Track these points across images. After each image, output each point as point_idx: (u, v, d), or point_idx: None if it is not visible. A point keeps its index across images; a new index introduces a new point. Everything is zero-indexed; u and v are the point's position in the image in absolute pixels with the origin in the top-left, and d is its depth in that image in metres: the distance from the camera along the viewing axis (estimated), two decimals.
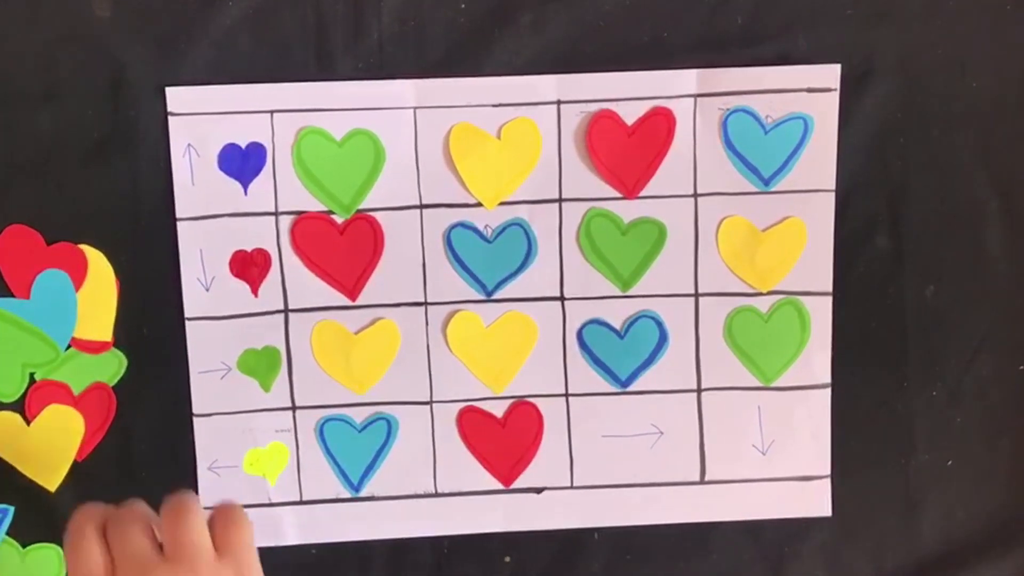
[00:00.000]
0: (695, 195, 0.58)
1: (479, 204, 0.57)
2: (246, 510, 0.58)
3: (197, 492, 0.58)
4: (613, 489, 0.59)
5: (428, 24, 0.56)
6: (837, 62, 0.57)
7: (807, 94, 0.57)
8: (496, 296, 0.58)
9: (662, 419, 0.59)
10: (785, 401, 0.59)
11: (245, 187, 0.57)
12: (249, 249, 0.57)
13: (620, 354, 0.59)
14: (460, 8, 0.56)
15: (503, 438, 0.59)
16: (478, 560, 0.60)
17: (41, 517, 0.57)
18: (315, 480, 0.59)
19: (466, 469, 0.59)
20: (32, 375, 0.56)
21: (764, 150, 0.57)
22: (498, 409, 0.59)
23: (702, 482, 0.59)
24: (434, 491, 0.59)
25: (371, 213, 0.57)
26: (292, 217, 0.57)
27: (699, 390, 0.59)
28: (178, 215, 0.56)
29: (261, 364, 0.58)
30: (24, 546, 0.57)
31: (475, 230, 0.57)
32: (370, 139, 0.56)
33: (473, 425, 0.59)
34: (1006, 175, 0.58)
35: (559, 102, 0.57)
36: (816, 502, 0.60)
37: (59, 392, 0.56)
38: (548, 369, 0.59)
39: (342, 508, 0.59)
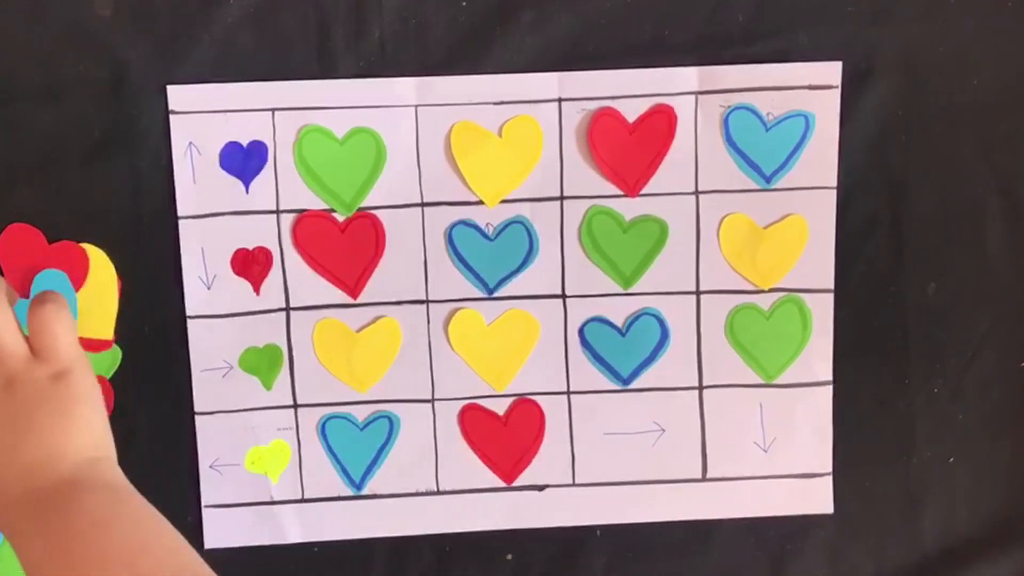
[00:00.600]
0: (696, 192, 0.58)
1: (480, 202, 0.57)
2: (251, 509, 0.58)
3: (199, 491, 0.58)
4: (615, 487, 0.59)
5: (429, 22, 0.56)
6: (838, 59, 0.57)
7: (808, 91, 0.57)
8: (497, 294, 0.58)
9: (664, 417, 0.59)
10: (787, 398, 0.59)
11: (246, 185, 0.57)
12: (251, 247, 0.57)
13: (622, 352, 0.59)
14: (461, 6, 0.56)
15: (505, 436, 0.59)
16: (480, 558, 0.60)
17: None
18: (317, 478, 0.59)
19: (468, 467, 0.59)
20: None
21: (765, 147, 0.57)
22: (500, 407, 0.59)
23: (704, 479, 0.60)
24: (436, 489, 0.59)
25: (372, 211, 0.57)
26: (293, 215, 0.57)
27: (700, 387, 0.59)
28: (179, 213, 0.56)
29: (263, 362, 0.58)
30: None
31: (476, 228, 0.57)
32: (371, 137, 0.56)
33: (475, 423, 0.59)
34: (1007, 172, 0.58)
35: (560, 100, 0.57)
36: (818, 499, 0.60)
37: None
38: (550, 367, 0.59)
39: (344, 506, 0.59)
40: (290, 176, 0.57)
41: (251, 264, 0.57)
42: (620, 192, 0.57)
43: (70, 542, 0.41)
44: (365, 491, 0.59)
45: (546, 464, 0.59)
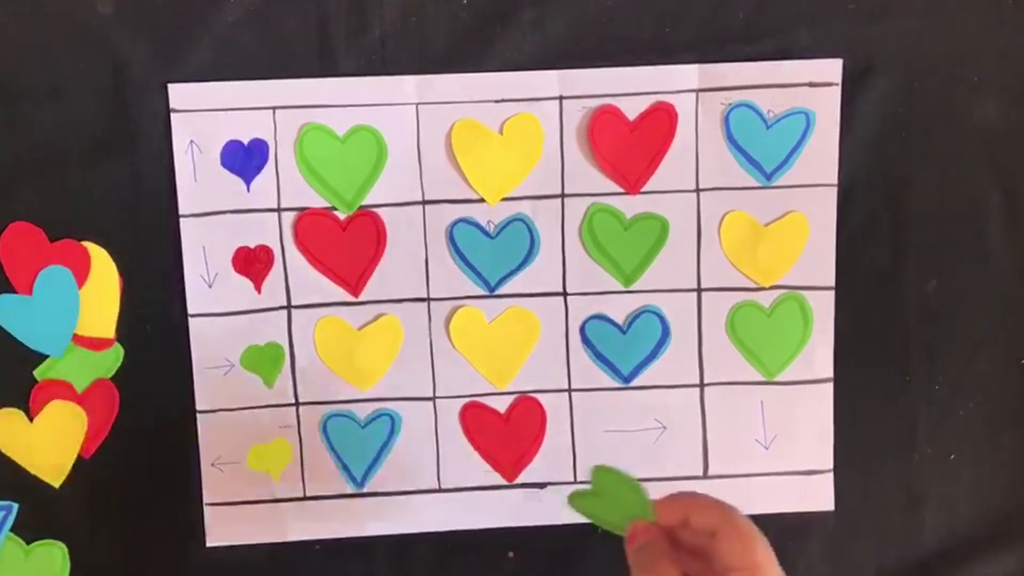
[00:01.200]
0: (697, 190, 0.58)
1: (481, 200, 0.57)
2: (253, 507, 0.58)
3: (200, 488, 0.58)
4: None
5: (430, 20, 0.56)
6: (839, 57, 0.57)
7: (809, 89, 0.57)
8: (499, 292, 0.58)
9: (665, 414, 0.59)
10: (788, 396, 0.59)
11: (248, 183, 0.57)
12: (252, 245, 0.57)
13: (623, 349, 0.59)
14: (462, 4, 0.56)
15: (506, 433, 0.59)
16: (481, 556, 0.60)
17: (45, 514, 0.57)
18: (319, 476, 0.59)
19: (469, 465, 0.59)
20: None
21: (766, 145, 0.57)
22: (501, 404, 0.59)
23: (705, 476, 0.60)
24: (437, 487, 0.59)
25: (374, 209, 0.57)
26: (295, 213, 0.57)
27: (702, 385, 0.59)
28: (181, 212, 0.56)
29: (264, 360, 0.58)
30: (28, 543, 0.57)
31: (477, 226, 0.58)
32: (372, 135, 0.56)
33: (476, 420, 0.59)
34: (1007, 169, 0.58)
35: (561, 98, 0.57)
36: (819, 496, 0.60)
37: (61, 389, 0.56)
38: (551, 364, 0.59)
39: (345, 504, 0.59)
40: (291, 174, 0.57)
41: (252, 262, 0.57)
42: (621, 190, 0.58)
43: None
44: (367, 489, 0.59)
45: (547, 461, 0.59)
